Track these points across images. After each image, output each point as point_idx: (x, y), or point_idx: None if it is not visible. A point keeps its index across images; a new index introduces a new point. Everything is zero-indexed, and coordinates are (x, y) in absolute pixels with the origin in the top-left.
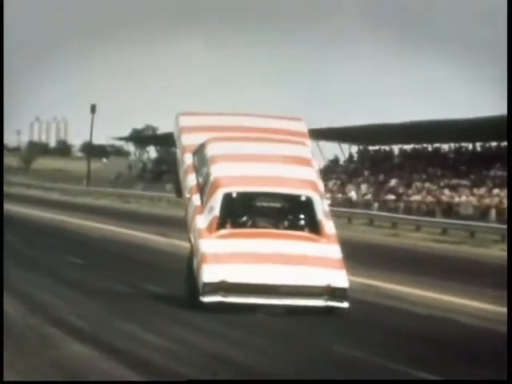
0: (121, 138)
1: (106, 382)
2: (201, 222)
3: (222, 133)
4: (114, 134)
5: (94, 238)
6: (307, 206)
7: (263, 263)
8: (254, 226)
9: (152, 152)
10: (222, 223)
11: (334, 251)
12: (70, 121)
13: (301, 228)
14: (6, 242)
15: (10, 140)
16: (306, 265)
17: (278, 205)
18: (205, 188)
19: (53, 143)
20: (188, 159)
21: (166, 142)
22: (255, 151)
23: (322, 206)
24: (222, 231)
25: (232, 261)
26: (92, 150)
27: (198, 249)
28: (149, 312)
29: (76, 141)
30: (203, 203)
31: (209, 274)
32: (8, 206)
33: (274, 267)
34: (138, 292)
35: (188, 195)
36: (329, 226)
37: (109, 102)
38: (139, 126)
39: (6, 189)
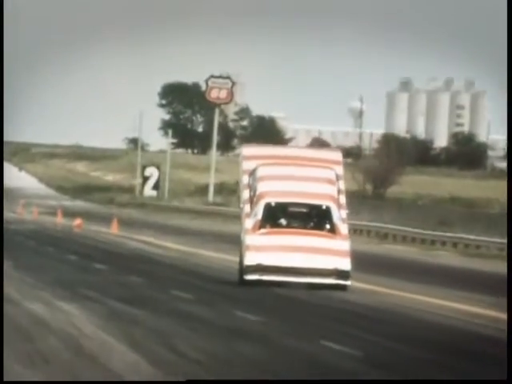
0: None
1: (106, 381)
2: (248, 223)
3: (271, 160)
4: None
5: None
6: (327, 213)
7: (290, 252)
8: (286, 226)
9: None
10: (263, 224)
11: (344, 245)
12: None
13: (321, 228)
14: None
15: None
16: (321, 254)
17: (304, 211)
18: (253, 199)
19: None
20: (245, 179)
21: None
22: (291, 173)
23: (338, 214)
24: (263, 230)
25: (267, 250)
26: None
27: (244, 242)
28: None
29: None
30: (251, 210)
31: (249, 259)
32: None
33: (297, 255)
34: None
35: (242, 205)
36: (343, 228)
37: None
38: None
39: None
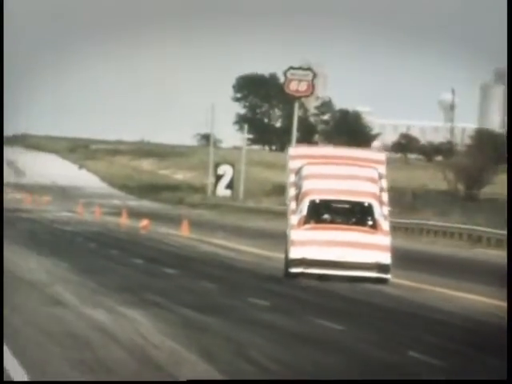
0: None
1: (106, 381)
2: (293, 219)
3: (316, 160)
4: None
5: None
6: (369, 210)
7: (333, 246)
8: (330, 222)
9: None
10: (307, 220)
11: (385, 240)
12: None
13: (363, 224)
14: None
15: None
16: (362, 248)
17: (347, 207)
18: (299, 197)
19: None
20: (291, 178)
21: None
22: (335, 172)
23: (380, 211)
24: (307, 225)
25: (312, 244)
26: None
27: (289, 237)
28: None
29: None
30: (297, 207)
31: (294, 253)
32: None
33: (340, 249)
34: None
35: (288, 202)
36: (385, 224)
37: None
38: None
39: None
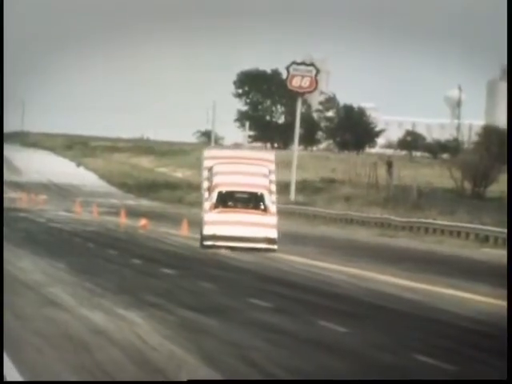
0: None
1: (106, 382)
2: (206, 205)
3: (223, 160)
4: None
5: None
6: (261, 198)
7: (235, 225)
8: (233, 207)
9: None
10: (217, 206)
11: (273, 220)
12: None
13: (257, 208)
14: None
15: None
16: (257, 226)
17: (246, 196)
18: (210, 188)
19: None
20: (205, 174)
21: None
22: (236, 169)
23: (269, 198)
24: (216, 210)
25: (220, 224)
26: None
27: (203, 218)
28: None
29: None
30: (209, 196)
31: (206, 230)
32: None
33: (241, 227)
34: None
35: (203, 192)
36: (273, 208)
37: None
38: None
39: None
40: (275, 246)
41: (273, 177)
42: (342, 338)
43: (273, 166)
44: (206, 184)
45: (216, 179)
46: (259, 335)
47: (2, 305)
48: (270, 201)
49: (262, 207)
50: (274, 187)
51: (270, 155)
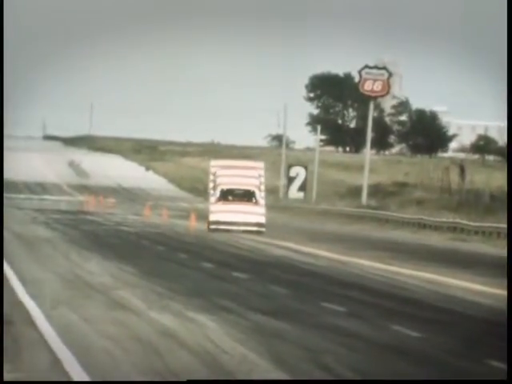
0: None
1: (105, 381)
2: (212, 199)
3: (225, 167)
4: None
5: None
6: (253, 193)
7: (234, 213)
8: (232, 200)
9: None
10: (220, 199)
11: (262, 210)
12: None
13: (250, 201)
14: None
15: None
16: (249, 214)
17: (241, 192)
18: (214, 186)
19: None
20: (211, 177)
21: None
22: (234, 173)
23: (259, 194)
24: (220, 202)
25: (222, 212)
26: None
27: (210, 208)
28: None
29: None
30: (213, 192)
31: (212, 217)
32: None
33: (238, 215)
34: None
35: (209, 190)
36: (262, 201)
37: None
38: None
39: None
40: (263, 229)
41: (262, 179)
42: (413, 342)
43: (262, 172)
44: (211, 184)
45: (219, 180)
46: (334, 340)
47: (2, 305)
48: (260, 196)
49: (254, 200)
50: (263, 187)
51: (259, 164)
